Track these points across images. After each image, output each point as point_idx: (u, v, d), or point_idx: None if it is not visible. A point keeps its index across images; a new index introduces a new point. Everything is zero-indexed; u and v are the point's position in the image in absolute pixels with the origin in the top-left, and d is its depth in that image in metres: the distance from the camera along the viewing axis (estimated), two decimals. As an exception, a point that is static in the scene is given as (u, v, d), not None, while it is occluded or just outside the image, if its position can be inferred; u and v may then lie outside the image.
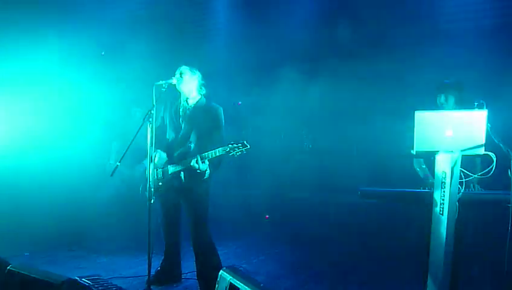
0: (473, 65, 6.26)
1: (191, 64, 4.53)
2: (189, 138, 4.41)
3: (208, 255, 4.45)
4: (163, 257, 4.79)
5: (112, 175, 4.09)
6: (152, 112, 3.98)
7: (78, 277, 4.27)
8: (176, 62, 4.50)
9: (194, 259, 4.51)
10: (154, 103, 4.01)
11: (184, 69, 4.42)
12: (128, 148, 4.04)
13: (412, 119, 3.23)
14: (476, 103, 3.43)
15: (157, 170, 4.42)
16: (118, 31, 8.51)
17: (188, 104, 4.48)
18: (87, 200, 6.75)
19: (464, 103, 3.90)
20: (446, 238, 3.18)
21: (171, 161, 4.45)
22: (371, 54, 7.16)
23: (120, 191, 6.42)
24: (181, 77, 4.37)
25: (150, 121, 3.97)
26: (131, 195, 6.00)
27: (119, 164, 4.03)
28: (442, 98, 3.99)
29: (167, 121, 4.56)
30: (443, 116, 3.27)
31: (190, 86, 4.44)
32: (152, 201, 4.07)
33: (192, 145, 4.37)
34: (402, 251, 5.43)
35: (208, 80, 4.57)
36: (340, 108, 7.45)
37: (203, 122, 4.39)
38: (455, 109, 3.86)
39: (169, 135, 4.53)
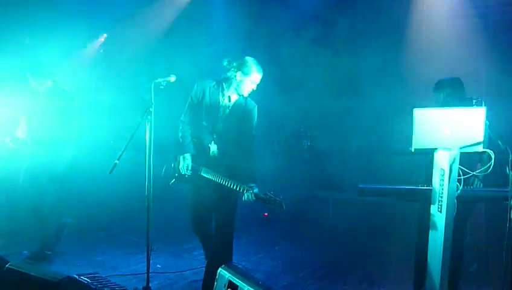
0: (472, 63, 6.27)
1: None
2: (227, 139, 4.06)
3: (226, 256, 4.09)
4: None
5: (110, 173, 4.06)
6: (150, 109, 3.96)
7: (76, 274, 4.26)
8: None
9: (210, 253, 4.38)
10: (153, 101, 3.98)
11: (249, 62, 3.97)
12: (126, 146, 4.02)
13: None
14: (474, 100, 3.43)
15: (185, 164, 4.10)
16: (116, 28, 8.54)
17: (230, 100, 4.07)
18: (86, 197, 6.76)
19: (461, 100, 3.89)
20: (445, 235, 3.18)
21: (204, 161, 4.08)
22: (367, 52, 7.16)
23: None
24: (241, 72, 3.94)
25: (148, 119, 3.95)
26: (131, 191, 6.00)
27: (117, 161, 4.01)
28: (440, 97, 3.99)
29: (202, 111, 4.07)
30: (442, 114, 3.27)
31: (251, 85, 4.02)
32: (171, 182, 4.06)
33: (230, 149, 4.05)
34: (401, 249, 5.44)
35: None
36: (338, 105, 7.46)
37: (242, 122, 4.06)
38: (452, 106, 3.86)
39: (202, 128, 4.10)
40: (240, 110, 4.06)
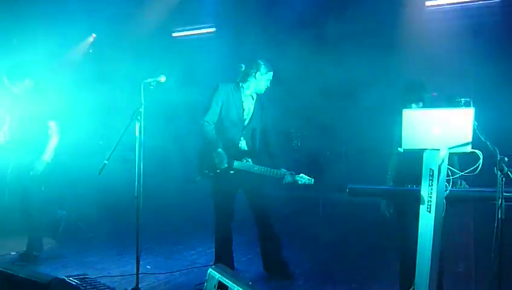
0: (462, 64, 6.32)
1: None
2: (255, 134, 4.62)
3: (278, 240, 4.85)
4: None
5: (99, 173, 4.04)
6: (140, 109, 3.95)
7: (65, 276, 4.23)
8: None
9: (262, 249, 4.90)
10: (143, 101, 3.97)
11: (263, 63, 4.53)
12: (115, 146, 4.00)
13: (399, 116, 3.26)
14: (463, 101, 3.45)
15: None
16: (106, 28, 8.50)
17: (253, 98, 4.62)
18: (75, 198, 6.71)
19: (432, 102, 3.91)
20: (433, 235, 3.20)
21: (236, 155, 4.50)
22: (358, 53, 7.18)
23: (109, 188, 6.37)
24: (259, 72, 4.51)
25: (138, 119, 3.94)
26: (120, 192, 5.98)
27: (106, 162, 3.98)
28: (420, 104, 3.92)
29: (227, 111, 4.53)
30: (431, 114, 3.29)
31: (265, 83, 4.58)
32: (197, 179, 4.48)
33: (258, 143, 4.64)
34: (391, 249, 5.46)
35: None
36: (329, 106, 7.48)
37: (264, 117, 4.67)
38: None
39: (230, 126, 4.54)
40: (260, 107, 4.65)
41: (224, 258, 4.66)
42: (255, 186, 4.62)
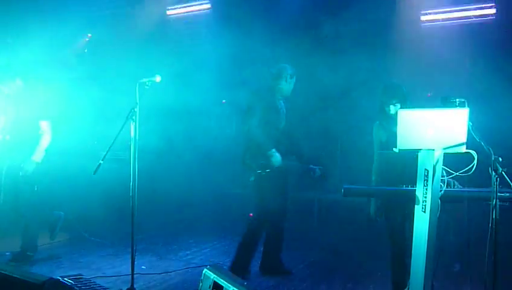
0: (456, 65, 6.34)
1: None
2: (287, 135, 4.87)
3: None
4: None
5: (94, 173, 4.02)
6: (135, 109, 3.94)
7: (60, 276, 4.22)
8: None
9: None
10: (138, 101, 3.96)
11: (289, 67, 4.80)
12: (110, 146, 3.99)
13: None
14: (457, 102, 3.46)
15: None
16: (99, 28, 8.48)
17: (283, 102, 4.87)
18: (70, 198, 6.69)
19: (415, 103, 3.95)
20: (428, 235, 3.21)
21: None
22: (353, 53, 7.19)
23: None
24: (289, 75, 4.78)
25: (133, 119, 3.93)
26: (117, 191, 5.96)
27: (102, 162, 3.97)
28: (398, 106, 3.93)
29: (268, 114, 4.71)
30: (425, 115, 3.30)
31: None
32: (252, 179, 4.67)
33: (289, 143, 4.88)
34: (386, 249, 5.47)
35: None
36: (323, 106, 7.49)
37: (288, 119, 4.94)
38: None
39: (270, 129, 4.71)
40: (286, 109, 4.89)
41: (248, 257, 4.78)
42: (286, 185, 4.88)
